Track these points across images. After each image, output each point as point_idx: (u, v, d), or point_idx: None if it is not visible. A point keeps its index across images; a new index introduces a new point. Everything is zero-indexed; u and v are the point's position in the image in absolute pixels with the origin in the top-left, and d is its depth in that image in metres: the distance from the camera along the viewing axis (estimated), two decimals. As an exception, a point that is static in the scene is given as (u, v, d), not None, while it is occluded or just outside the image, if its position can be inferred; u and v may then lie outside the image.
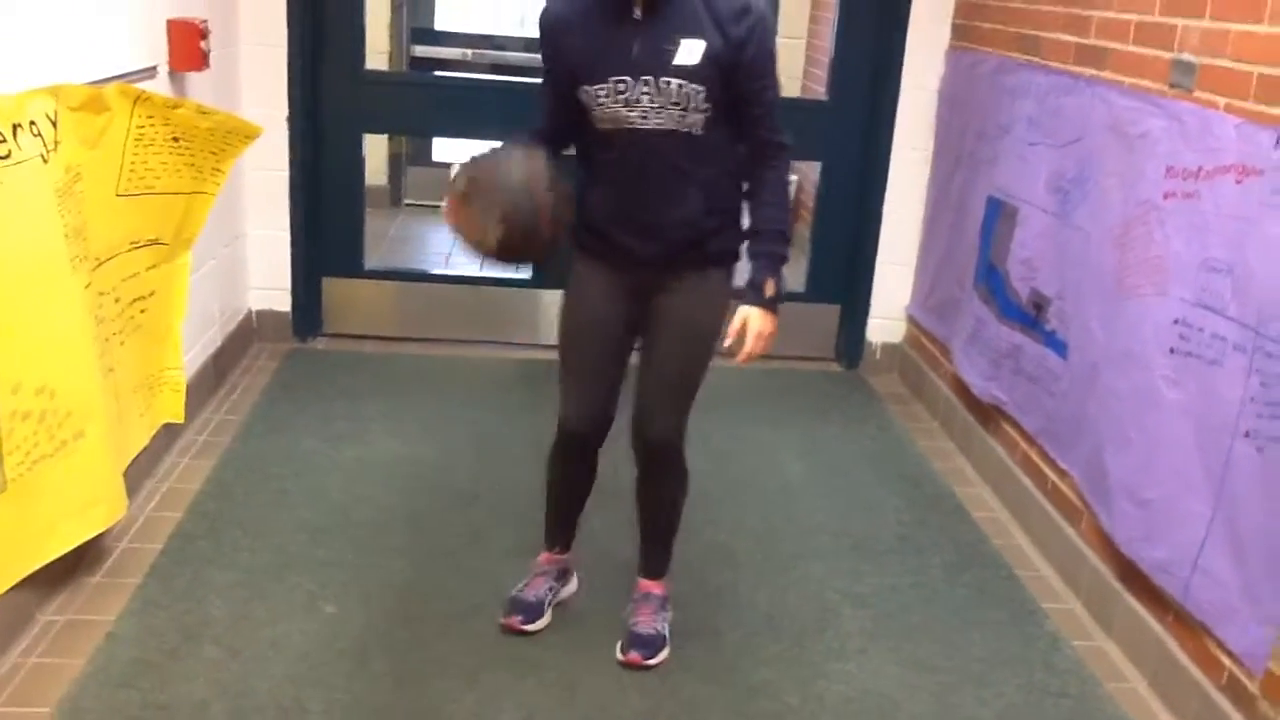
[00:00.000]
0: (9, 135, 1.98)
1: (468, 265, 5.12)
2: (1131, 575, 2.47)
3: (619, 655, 2.28)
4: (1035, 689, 2.33)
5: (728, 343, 2.17)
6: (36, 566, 2.21)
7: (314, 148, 3.87)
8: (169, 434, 3.00)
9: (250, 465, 3.02)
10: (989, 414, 3.32)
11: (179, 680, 2.14)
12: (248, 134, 2.80)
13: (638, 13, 2.02)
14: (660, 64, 2.02)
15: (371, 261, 4.23)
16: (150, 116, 2.47)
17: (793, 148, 2.18)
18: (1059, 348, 2.87)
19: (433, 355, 3.99)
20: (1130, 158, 2.56)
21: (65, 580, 2.40)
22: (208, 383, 3.41)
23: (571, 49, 2.10)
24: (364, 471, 3.03)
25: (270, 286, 3.94)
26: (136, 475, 2.73)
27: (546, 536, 2.47)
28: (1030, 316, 3.04)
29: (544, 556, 2.48)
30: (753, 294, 2.14)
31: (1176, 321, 2.30)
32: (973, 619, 2.57)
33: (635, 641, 2.29)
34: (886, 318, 4.12)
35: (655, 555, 2.41)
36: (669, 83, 2.02)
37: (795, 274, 5.01)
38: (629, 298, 2.22)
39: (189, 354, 3.08)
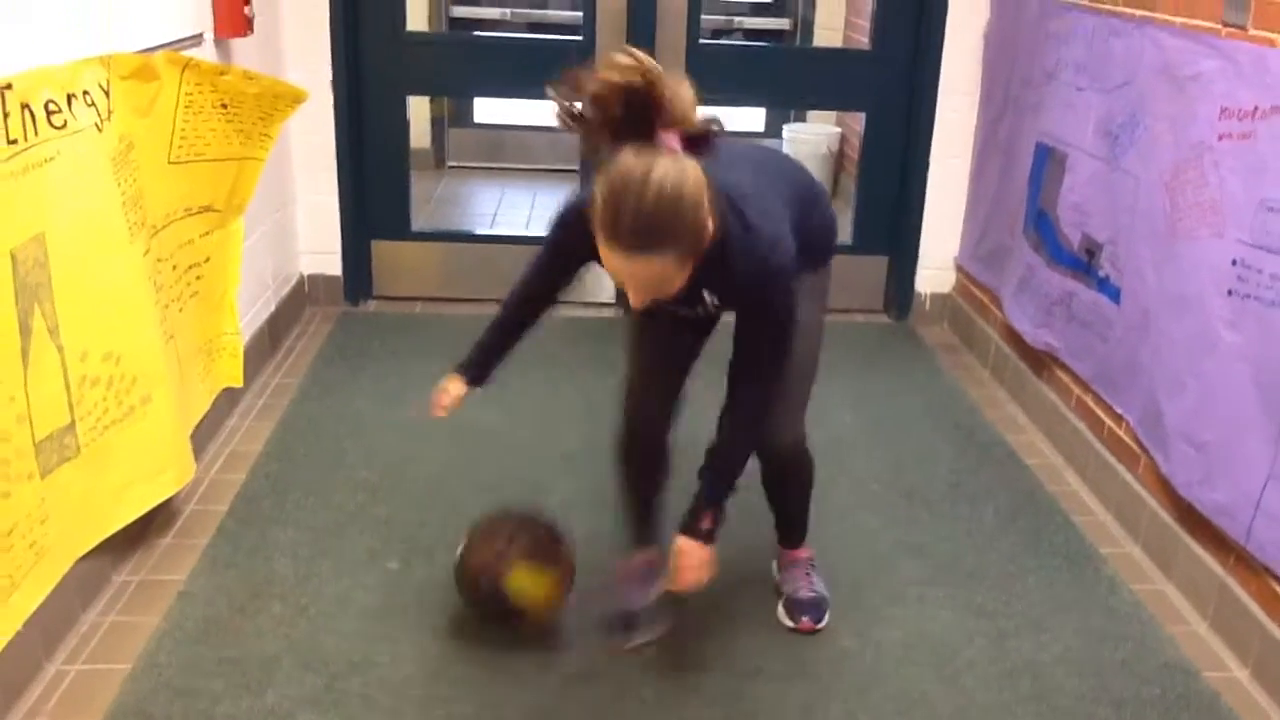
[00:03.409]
0: (64, 105, 2.01)
1: (513, 225, 5.16)
2: (1191, 518, 2.46)
3: (787, 621, 2.30)
4: (1094, 633, 2.33)
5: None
6: (111, 531, 2.28)
7: (358, 111, 3.89)
8: (229, 398, 3.06)
9: (308, 427, 3.07)
10: (1041, 361, 3.30)
11: (250, 636, 2.20)
12: (294, 98, 2.83)
13: None
14: (688, 303, 1.96)
15: (418, 224, 4.26)
16: (199, 83, 2.49)
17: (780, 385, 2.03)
18: (1112, 293, 2.85)
19: (482, 315, 3.94)
20: (1182, 100, 2.51)
21: (137, 542, 2.47)
22: (264, 347, 3.46)
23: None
24: (419, 431, 3.07)
25: (320, 251, 3.98)
26: (200, 439, 2.78)
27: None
28: (1082, 262, 3.01)
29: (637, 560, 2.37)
30: (689, 521, 1.99)
31: (1235, 263, 2.27)
32: (1029, 565, 2.57)
33: (801, 607, 2.30)
34: (935, 268, 4.09)
35: (795, 529, 2.39)
36: (697, 308, 2.00)
37: (842, 226, 4.97)
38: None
39: (245, 319, 3.13)
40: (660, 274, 1.70)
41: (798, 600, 2.32)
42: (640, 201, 1.62)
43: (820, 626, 2.29)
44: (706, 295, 1.95)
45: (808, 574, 2.37)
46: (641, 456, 2.28)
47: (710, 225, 1.72)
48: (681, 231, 1.66)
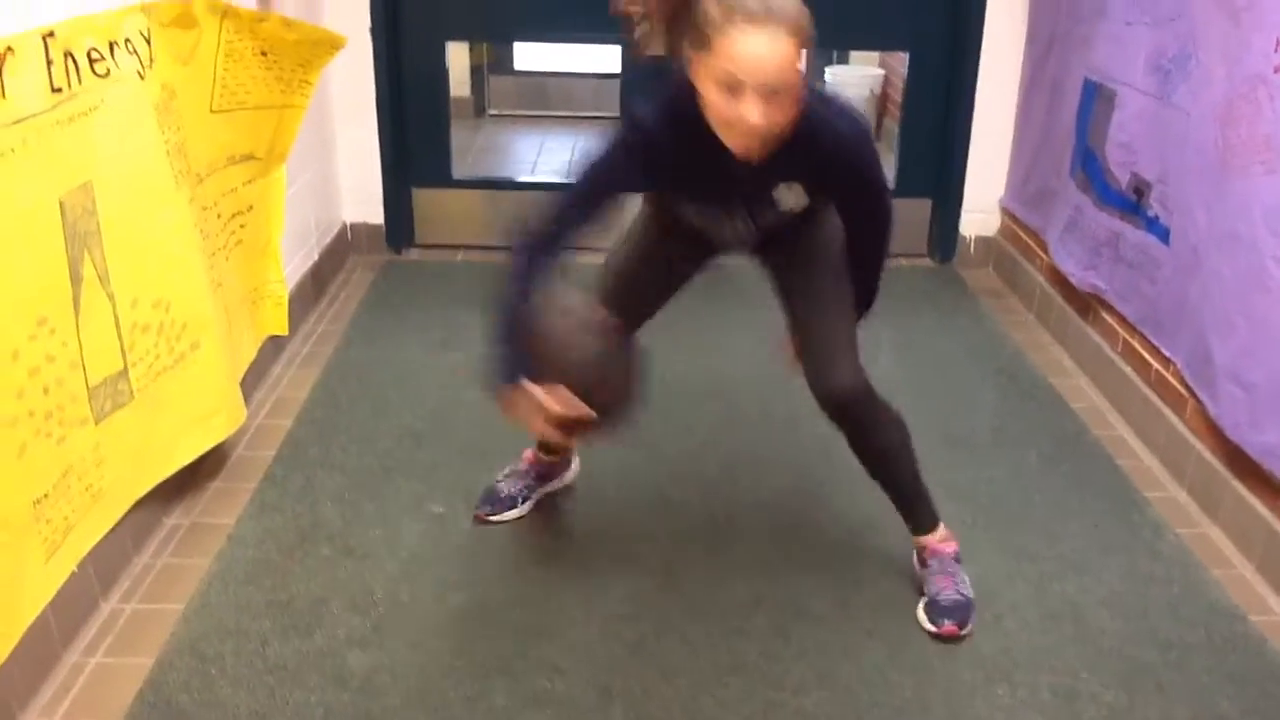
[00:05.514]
0: (107, 54, 2.02)
1: (554, 172, 5.14)
2: (1239, 461, 2.43)
3: (929, 626, 2.11)
4: (1138, 576, 2.32)
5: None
6: (165, 475, 2.32)
7: (397, 59, 3.88)
8: (275, 345, 3.10)
9: (353, 374, 3.11)
10: (1087, 304, 3.26)
11: (298, 578, 2.24)
12: (333, 44, 2.83)
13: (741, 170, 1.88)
14: (757, 204, 2.01)
15: (459, 173, 4.26)
16: (238, 31, 2.50)
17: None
18: (1161, 233, 2.80)
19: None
20: (1236, 31, 2.45)
21: (188, 486, 2.51)
22: (308, 295, 3.49)
23: (662, 178, 2.02)
24: (462, 378, 3.10)
25: (362, 199, 4.00)
26: (247, 386, 2.81)
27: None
28: (1131, 202, 2.96)
29: (529, 454, 2.51)
30: None
31: (1288, 200, 2.23)
32: (1073, 509, 2.55)
33: (944, 611, 2.12)
34: (980, 210, 4.04)
35: (916, 507, 2.21)
36: (763, 213, 2.03)
37: (886, 169, 4.90)
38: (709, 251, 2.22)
39: (288, 267, 3.16)
40: (786, 62, 1.67)
41: (939, 604, 2.13)
42: None
43: (965, 632, 2.11)
44: (781, 190, 1.97)
45: (951, 574, 2.17)
46: None
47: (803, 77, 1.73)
48: (801, 17, 1.68)
